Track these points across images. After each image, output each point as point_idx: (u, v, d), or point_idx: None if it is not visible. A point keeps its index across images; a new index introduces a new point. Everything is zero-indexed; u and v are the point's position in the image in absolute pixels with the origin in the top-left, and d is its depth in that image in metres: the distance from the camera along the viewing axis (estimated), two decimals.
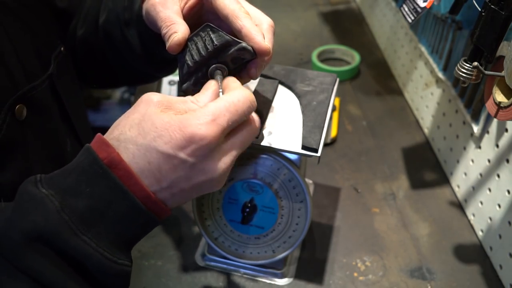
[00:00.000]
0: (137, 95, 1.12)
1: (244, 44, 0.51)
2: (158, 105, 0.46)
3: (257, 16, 0.56)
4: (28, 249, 0.43)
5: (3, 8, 0.61)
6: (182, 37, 0.53)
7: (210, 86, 0.51)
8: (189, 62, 0.53)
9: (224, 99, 0.47)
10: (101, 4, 0.73)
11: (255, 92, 0.65)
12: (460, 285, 0.73)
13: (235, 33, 0.53)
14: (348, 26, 1.35)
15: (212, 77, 0.53)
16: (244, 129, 0.49)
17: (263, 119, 0.62)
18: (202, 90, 0.51)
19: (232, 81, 0.51)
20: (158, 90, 1.11)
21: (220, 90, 0.51)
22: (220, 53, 0.52)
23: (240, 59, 0.52)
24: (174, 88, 1.11)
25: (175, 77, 1.13)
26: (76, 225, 0.43)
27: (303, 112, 0.63)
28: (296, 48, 1.27)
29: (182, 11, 0.56)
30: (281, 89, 0.67)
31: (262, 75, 0.69)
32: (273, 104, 0.65)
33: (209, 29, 0.52)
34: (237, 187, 0.66)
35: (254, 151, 0.63)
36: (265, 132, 0.61)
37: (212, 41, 0.52)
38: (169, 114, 0.46)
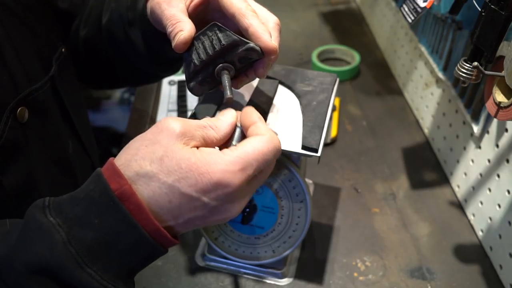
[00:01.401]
0: (137, 96, 1.12)
1: (252, 44, 0.51)
2: (181, 137, 0.45)
3: (263, 14, 0.55)
4: (31, 281, 0.42)
5: (4, 10, 0.60)
6: (188, 36, 0.52)
7: (228, 113, 0.51)
8: (195, 61, 0.53)
9: (254, 146, 0.46)
10: (104, 4, 0.73)
11: (255, 92, 0.65)
12: (460, 285, 0.73)
13: (242, 32, 0.53)
14: (348, 26, 1.35)
15: (219, 77, 0.53)
16: (265, 172, 0.49)
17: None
18: (219, 115, 0.51)
19: (258, 118, 0.50)
20: (158, 90, 1.11)
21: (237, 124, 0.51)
22: (227, 53, 0.52)
23: (247, 58, 0.52)
24: (174, 88, 1.11)
25: (175, 77, 1.13)
26: (82, 257, 0.42)
27: (303, 112, 0.63)
28: (296, 48, 1.27)
29: (187, 10, 0.56)
30: (281, 89, 0.67)
31: None
32: (273, 104, 0.65)
33: (216, 28, 0.52)
34: None
35: None
36: None
37: (220, 41, 0.51)
38: (194, 152, 0.44)
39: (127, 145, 0.47)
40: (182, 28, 0.53)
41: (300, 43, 1.29)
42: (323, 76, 0.68)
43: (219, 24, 0.52)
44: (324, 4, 1.47)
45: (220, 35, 0.52)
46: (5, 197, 0.55)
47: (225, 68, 0.53)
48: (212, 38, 0.52)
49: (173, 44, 0.53)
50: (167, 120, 0.46)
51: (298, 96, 0.65)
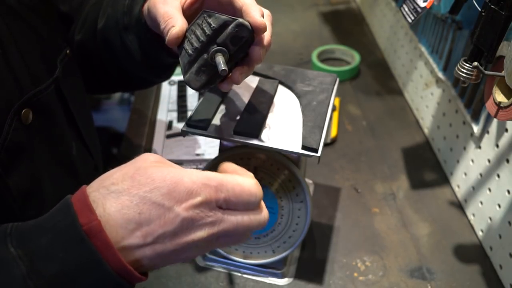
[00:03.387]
0: (137, 96, 1.12)
1: (240, 20, 0.51)
2: (155, 160, 0.45)
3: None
4: None
5: (10, 12, 0.60)
6: (180, 30, 0.53)
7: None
8: (189, 51, 0.53)
9: (234, 177, 0.45)
10: (100, 10, 0.73)
11: (255, 92, 0.65)
12: (460, 285, 0.73)
13: (237, 14, 0.53)
14: (348, 26, 1.35)
15: (213, 61, 0.52)
16: (248, 213, 0.46)
17: (263, 119, 0.62)
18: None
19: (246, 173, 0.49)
20: (158, 90, 1.11)
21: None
22: (219, 35, 0.52)
23: (239, 38, 0.52)
24: (174, 88, 1.11)
25: (175, 77, 1.13)
26: None
27: (303, 112, 0.63)
28: (296, 48, 1.27)
29: (183, 7, 0.57)
30: (281, 89, 0.67)
31: (262, 75, 0.69)
32: (273, 104, 0.65)
33: (205, 15, 0.52)
34: None
35: (254, 151, 0.63)
36: (265, 131, 0.61)
37: (210, 25, 0.52)
38: (169, 168, 0.44)
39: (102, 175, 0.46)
40: (174, 24, 0.53)
41: (300, 43, 1.29)
42: (323, 76, 0.68)
43: (208, 11, 0.52)
44: (324, 4, 1.47)
45: (209, 20, 0.52)
46: (11, 198, 0.55)
47: (218, 51, 0.52)
48: (203, 25, 0.52)
49: (166, 40, 0.54)
50: (144, 154, 0.46)
51: (298, 96, 0.65)
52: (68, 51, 0.71)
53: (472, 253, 0.77)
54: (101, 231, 0.41)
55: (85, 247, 0.41)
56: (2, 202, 0.54)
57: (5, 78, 0.56)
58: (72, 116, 0.69)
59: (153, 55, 0.67)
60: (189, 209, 0.42)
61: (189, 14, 0.57)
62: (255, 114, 0.62)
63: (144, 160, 0.45)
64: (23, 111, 0.58)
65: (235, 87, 0.67)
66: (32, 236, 0.42)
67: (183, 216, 0.42)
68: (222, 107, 0.64)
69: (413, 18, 0.73)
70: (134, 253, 0.43)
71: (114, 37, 0.70)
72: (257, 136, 0.60)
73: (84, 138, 0.73)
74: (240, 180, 0.45)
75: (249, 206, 0.46)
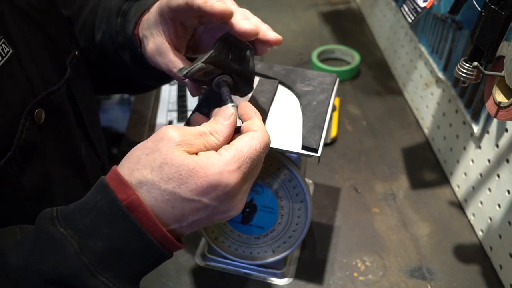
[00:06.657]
0: (136, 96, 1.12)
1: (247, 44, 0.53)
2: (180, 145, 0.46)
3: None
4: None
5: (19, 14, 0.61)
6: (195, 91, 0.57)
7: (226, 114, 0.51)
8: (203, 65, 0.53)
9: (247, 144, 0.48)
10: (96, 17, 0.73)
11: (255, 92, 0.65)
12: (460, 285, 0.73)
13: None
14: (348, 26, 1.35)
15: (218, 89, 0.54)
16: (257, 166, 0.51)
17: (263, 119, 0.62)
18: (217, 118, 0.51)
19: (253, 113, 0.52)
20: (158, 90, 1.11)
21: (238, 119, 0.52)
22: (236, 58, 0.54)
23: (238, 50, 0.54)
24: (174, 88, 1.11)
25: None
26: (95, 266, 0.44)
27: (303, 112, 0.63)
28: (296, 48, 1.27)
29: (175, 32, 0.58)
30: (281, 89, 0.67)
31: (262, 75, 0.69)
32: (273, 104, 0.65)
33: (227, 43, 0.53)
34: None
35: None
36: None
37: (240, 50, 0.54)
38: (192, 158, 0.45)
39: (128, 154, 0.48)
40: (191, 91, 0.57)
41: (300, 43, 1.29)
42: (323, 76, 0.68)
43: (229, 36, 0.53)
44: (324, 4, 1.47)
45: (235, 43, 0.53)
46: (24, 197, 0.56)
47: (223, 80, 0.54)
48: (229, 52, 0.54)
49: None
50: (167, 129, 0.47)
51: (298, 96, 0.65)
52: (76, 52, 0.71)
53: (472, 253, 0.77)
54: (140, 204, 0.44)
55: (127, 220, 0.44)
56: (15, 201, 0.54)
57: (19, 78, 0.57)
58: (81, 116, 0.70)
59: (150, 68, 0.67)
60: (217, 198, 0.46)
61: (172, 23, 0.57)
62: None
63: (168, 141, 0.46)
64: (36, 111, 0.58)
65: None
66: (77, 217, 0.45)
67: (213, 206, 0.46)
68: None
69: (413, 18, 0.74)
70: (173, 231, 0.47)
71: (110, 50, 0.70)
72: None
73: (92, 138, 0.73)
74: (248, 142, 0.48)
75: (264, 155, 0.50)
